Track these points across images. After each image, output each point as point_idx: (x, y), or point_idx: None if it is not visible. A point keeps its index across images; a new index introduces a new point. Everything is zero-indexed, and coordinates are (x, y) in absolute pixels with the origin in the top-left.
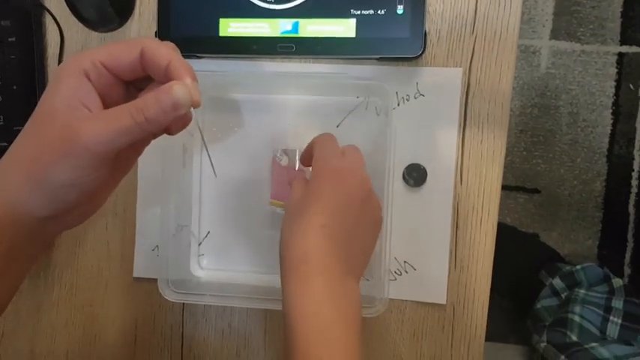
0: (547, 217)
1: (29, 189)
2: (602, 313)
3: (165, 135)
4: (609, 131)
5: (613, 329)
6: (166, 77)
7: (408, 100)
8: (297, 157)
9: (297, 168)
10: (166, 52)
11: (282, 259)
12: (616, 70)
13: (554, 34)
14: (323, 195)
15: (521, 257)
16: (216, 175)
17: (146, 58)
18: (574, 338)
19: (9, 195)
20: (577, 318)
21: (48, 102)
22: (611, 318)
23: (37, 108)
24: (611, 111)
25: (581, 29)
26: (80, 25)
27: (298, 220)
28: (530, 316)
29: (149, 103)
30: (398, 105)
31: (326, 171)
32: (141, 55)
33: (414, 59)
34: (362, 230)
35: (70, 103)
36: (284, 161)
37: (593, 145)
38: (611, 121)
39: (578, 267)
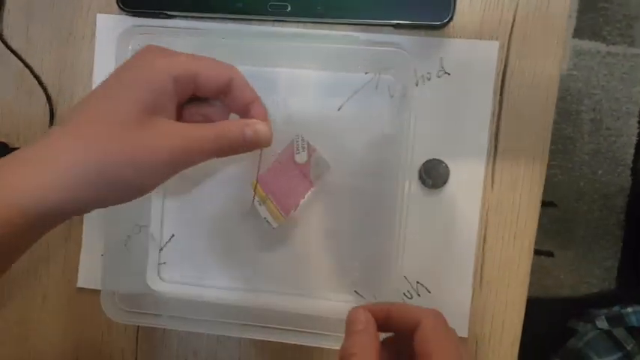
0: (563, 234)
1: (85, 185)
2: None
3: None
4: (635, 141)
5: None
6: (245, 113)
7: (429, 80)
8: (312, 157)
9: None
10: (253, 93)
11: None
12: None
13: (578, 33)
14: None
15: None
16: None
17: (233, 91)
18: None
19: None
20: None
21: (127, 96)
22: None
23: (106, 96)
24: (637, 119)
25: (607, 28)
26: None
27: None
28: (565, 355)
29: (233, 132)
30: (416, 85)
31: None
32: (228, 84)
33: (439, 28)
34: None
35: (150, 108)
36: (300, 157)
37: (616, 155)
38: (637, 130)
39: (629, 310)
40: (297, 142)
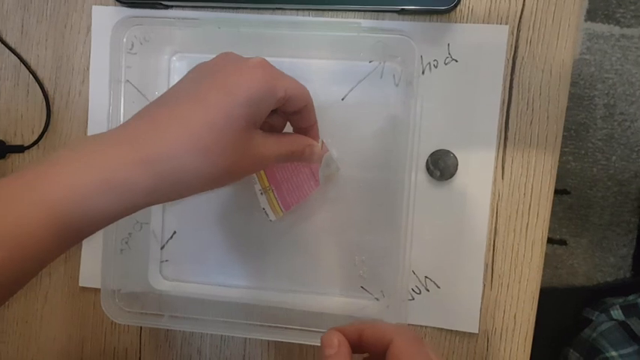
0: (577, 222)
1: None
2: None
3: (113, 104)
4: None
5: None
6: (302, 131)
7: (436, 67)
8: (324, 156)
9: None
10: (315, 117)
11: None
12: None
13: (590, 15)
14: None
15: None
16: None
17: (303, 112)
18: None
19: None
20: None
21: (229, 99)
22: None
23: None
24: None
25: (621, 10)
26: None
27: None
28: (579, 345)
29: (299, 146)
30: (423, 73)
31: None
32: (304, 106)
33: (445, 12)
34: None
35: (251, 119)
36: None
37: (630, 141)
38: None
39: None
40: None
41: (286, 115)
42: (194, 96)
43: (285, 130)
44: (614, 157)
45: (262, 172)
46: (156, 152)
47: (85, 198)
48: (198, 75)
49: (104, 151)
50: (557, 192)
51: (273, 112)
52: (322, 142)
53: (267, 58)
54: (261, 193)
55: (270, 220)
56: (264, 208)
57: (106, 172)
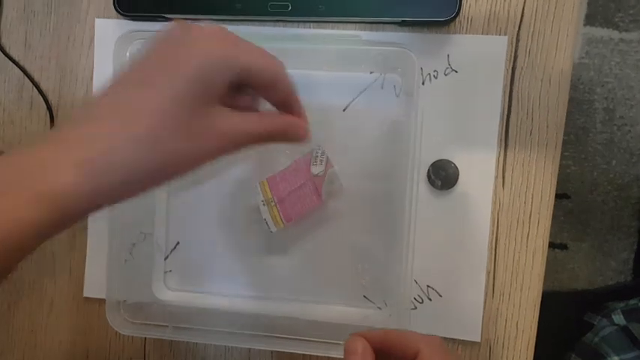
0: (577, 226)
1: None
2: None
3: None
4: None
5: None
6: (283, 107)
7: (436, 78)
8: (328, 172)
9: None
10: (294, 89)
11: None
12: None
13: (589, 20)
14: None
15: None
16: None
17: (277, 84)
18: None
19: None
20: None
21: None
22: None
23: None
24: None
25: (620, 14)
26: None
27: None
28: (581, 350)
29: (278, 125)
30: (423, 84)
31: None
32: (274, 78)
33: (445, 24)
34: None
35: (205, 95)
36: (316, 169)
37: (630, 145)
38: None
39: None
40: (317, 153)
41: (259, 93)
42: (138, 81)
43: None
44: (614, 161)
45: (265, 183)
46: (92, 150)
47: (16, 211)
48: (147, 53)
49: (38, 157)
50: (557, 196)
51: (240, 89)
52: (327, 157)
53: None
54: (264, 204)
55: (271, 232)
56: (265, 219)
57: (36, 183)
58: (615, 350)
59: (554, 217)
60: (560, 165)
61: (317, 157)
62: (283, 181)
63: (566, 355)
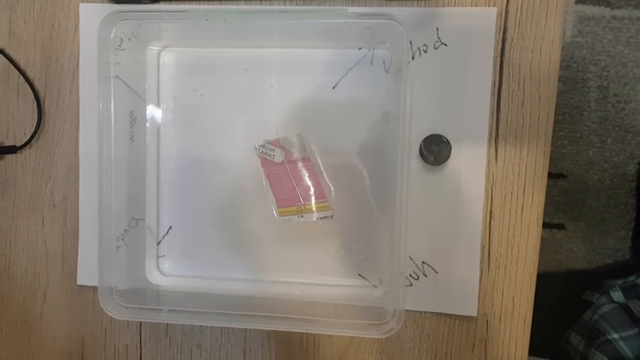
0: (574, 206)
1: None
2: None
3: (103, 101)
4: None
5: None
6: None
7: (425, 52)
8: (296, 144)
9: (297, 156)
10: None
11: None
12: None
13: None
14: None
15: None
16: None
17: None
18: None
19: None
20: None
21: None
22: None
23: None
24: None
25: None
26: None
27: None
28: (580, 328)
29: None
30: (413, 58)
31: None
32: None
33: None
34: None
35: None
36: (278, 156)
37: (625, 123)
38: None
39: None
40: (264, 150)
41: None
42: None
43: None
44: (609, 140)
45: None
46: None
47: None
48: None
49: None
50: (553, 176)
51: None
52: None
53: (257, 50)
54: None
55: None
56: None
57: None
58: (615, 327)
59: (551, 197)
60: (555, 144)
61: (265, 153)
62: (283, 190)
63: (565, 334)
